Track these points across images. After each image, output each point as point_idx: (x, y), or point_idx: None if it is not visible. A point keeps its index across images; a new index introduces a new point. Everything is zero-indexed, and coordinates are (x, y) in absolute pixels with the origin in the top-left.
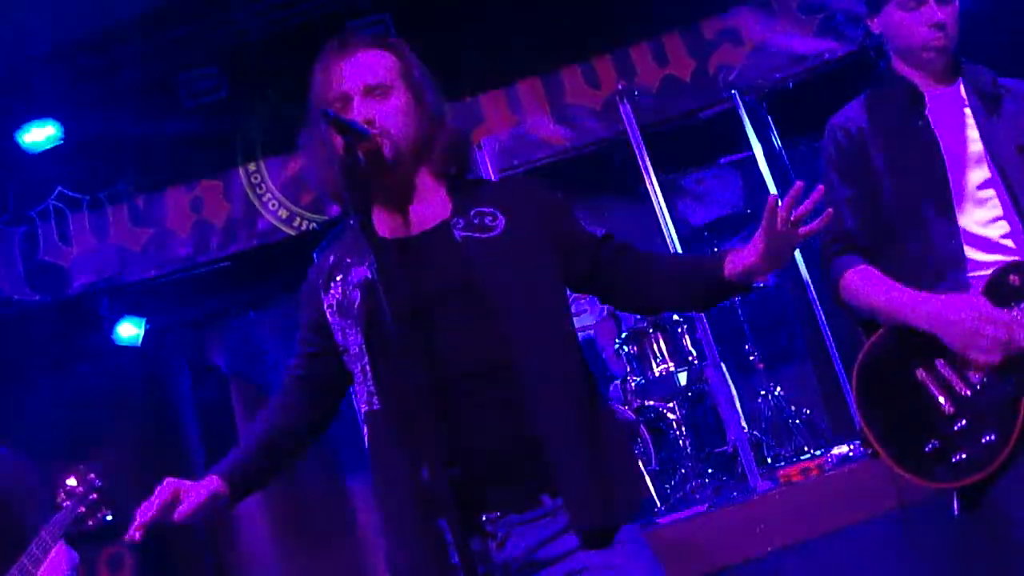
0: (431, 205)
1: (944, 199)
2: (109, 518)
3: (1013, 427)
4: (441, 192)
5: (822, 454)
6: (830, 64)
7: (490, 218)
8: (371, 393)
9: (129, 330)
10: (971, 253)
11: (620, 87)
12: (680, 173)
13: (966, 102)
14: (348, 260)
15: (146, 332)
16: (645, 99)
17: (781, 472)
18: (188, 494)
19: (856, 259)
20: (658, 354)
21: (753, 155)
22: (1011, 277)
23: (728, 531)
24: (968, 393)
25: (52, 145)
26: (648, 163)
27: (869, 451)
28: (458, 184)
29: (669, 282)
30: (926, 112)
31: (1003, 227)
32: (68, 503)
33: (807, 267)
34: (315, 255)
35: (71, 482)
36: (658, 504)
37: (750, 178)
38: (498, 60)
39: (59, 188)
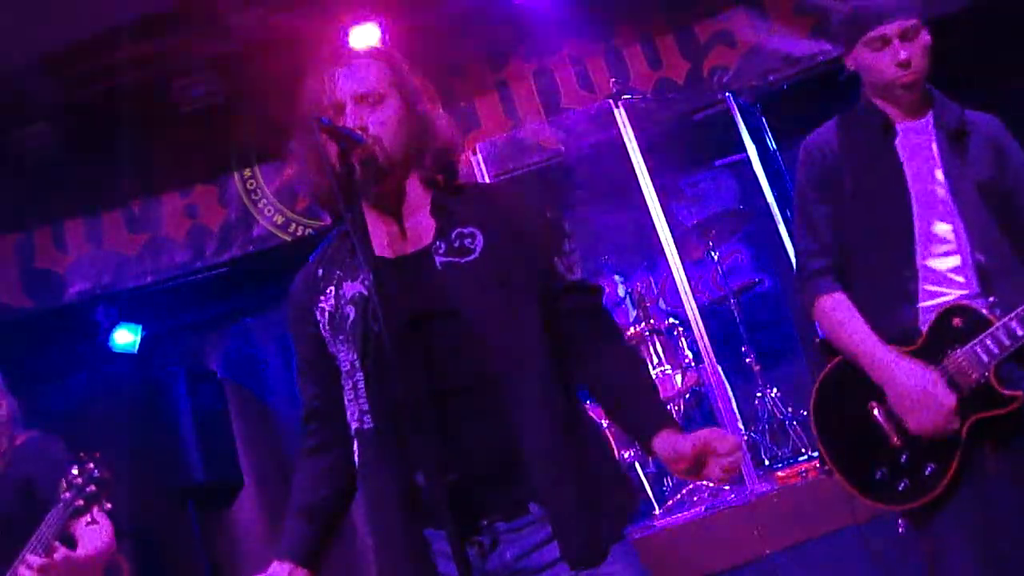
0: (418, 221)
1: (904, 230)
2: (109, 507)
3: (951, 463)
4: (427, 207)
5: (819, 456)
6: (824, 66)
7: (469, 239)
8: (363, 412)
9: (125, 337)
10: (924, 285)
11: (614, 90)
12: (675, 176)
13: (933, 137)
14: (338, 273)
15: (142, 339)
16: (639, 102)
17: (778, 474)
18: None
19: (831, 283)
20: (654, 357)
21: (747, 157)
22: (954, 320)
23: (725, 534)
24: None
25: (47, 150)
26: (642, 166)
27: (825, 468)
28: (442, 197)
29: (602, 381)
30: (895, 143)
31: (955, 261)
32: (67, 494)
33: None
34: (297, 277)
35: (74, 471)
36: (655, 507)
37: (745, 180)
38: (492, 64)
39: (54, 194)
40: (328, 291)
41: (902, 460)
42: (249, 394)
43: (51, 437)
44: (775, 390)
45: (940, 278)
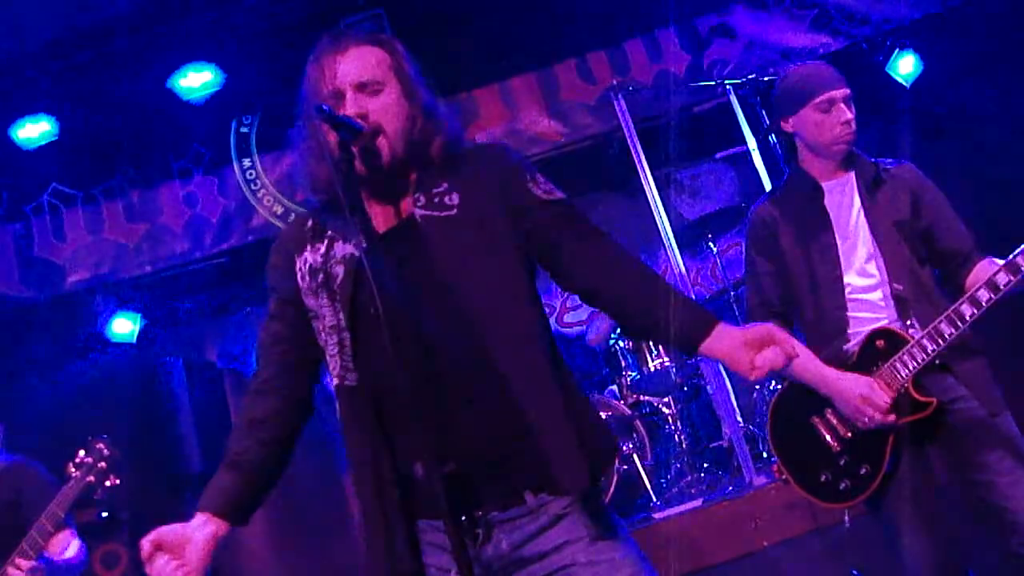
0: (406, 193)
1: (834, 272)
2: (117, 482)
3: (882, 461)
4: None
5: (776, 467)
6: (824, 59)
7: (448, 196)
8: (346, 368)
9: (124, 326)
10: (854, 314)
11: (614, 82)
12: (674, 168)
13: (856, 189)
14: (330, 232)
15: (140, 328)
16: (639, 94)
17: (776, 466)
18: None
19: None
20: (653, 349)
21: (747, 150)
22: (877, 342)
23: (724, 526)
24: (849, 435)
25: (46, 141)
26: (642, 158)
27: (782, 477)
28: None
29: (621, 284)
30: (823, 200)
31: (879, 294)
32: (77, 473)
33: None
34: (288, 225)
35: (81, 453)
36: (654, 499)
37: (744, 173)
38: (492, 55)
39: (53, 184)
40: (317, 246)
41: (841, 463)
42: (248, 384)
43: (33, 462)
44: (773, 383)
45: (867, 308)
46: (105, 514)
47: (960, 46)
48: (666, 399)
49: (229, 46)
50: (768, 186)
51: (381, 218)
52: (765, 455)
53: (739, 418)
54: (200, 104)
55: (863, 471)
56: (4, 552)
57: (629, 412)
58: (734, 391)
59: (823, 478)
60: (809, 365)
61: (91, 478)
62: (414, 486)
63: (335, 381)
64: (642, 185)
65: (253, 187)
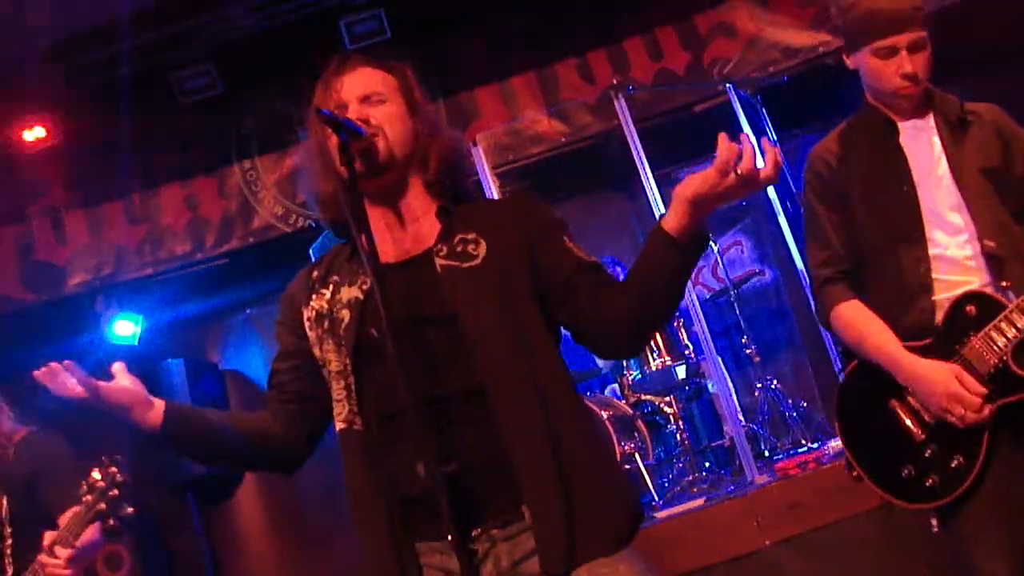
0: (421, 226)
1: (914, 225)
2: (130, 510)
3: (978, 452)
4: (431, 213)
5: (819, 447)
6: (825, 57)
7: (472, 245)
8: (352, 413)
9: (125, 328)
10: (938, 275)
11: (614, 81)
12: (675, 167)
13: (935, 131)
14: (336, 278)
15: (142, 330)
16: (639, 93)
17: (778, 465)
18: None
19: (845, 290)
20: (655, 348)
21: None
22: (967, 308)
23: (725, 524)
24: (935, 421)
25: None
26: (643, 157)
27: (854, 474)
28: (448, 205)
29: (627, 286)
30: (899, 140)
31: (967, 251)
32: (89, 497)
33: (803, 260)
34: (295, 277)
35: (95, 475)
36: (655, 498)
37: None
38: (493, 54)
39: (54, 186)
40: (322, 292)
41: (927, 454)
42: (249, 385)
43: (50, 432)
44: (775, 382)
45: (953, 268)
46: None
47: (965, 43)
48: (668, 398)
49: (228, 46)
50: (772, 189)
51: (391, 244)
52: (766, 454)
53: (741, 417)
54: (201, 104)
55: (954, 463)
56: (26, 524)
57: (631, 411)
58: (735, 390)
59: (905, 473)
60: (883, 344)
61: (102, 505)
62: (415, 505)
63: (341, 426)
64: (642, 184)
65: (254, 188)
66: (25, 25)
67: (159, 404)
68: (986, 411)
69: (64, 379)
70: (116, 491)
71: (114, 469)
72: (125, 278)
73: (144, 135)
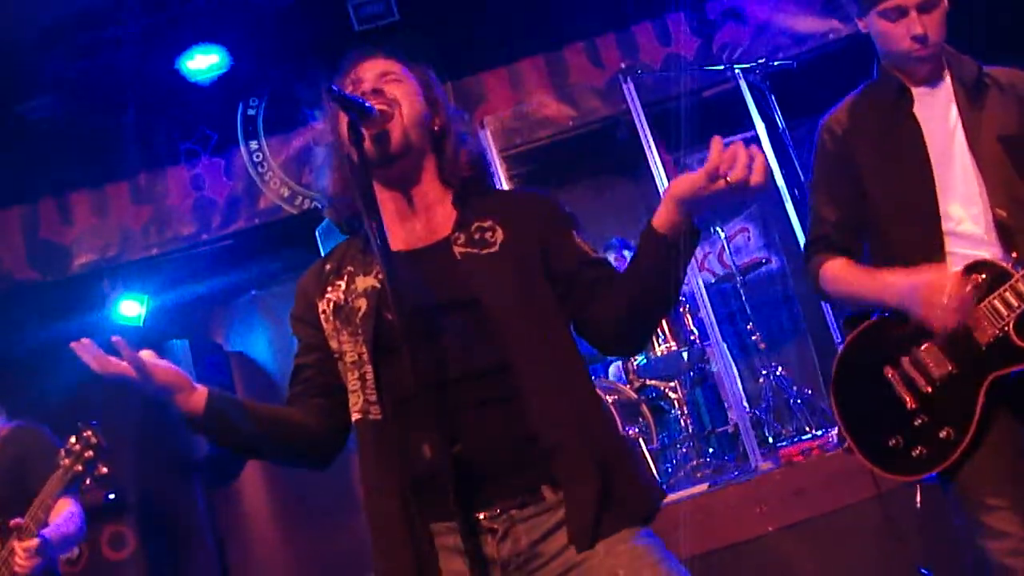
0: (435, 214)
1: (928, 194)
2: (104, 470)
3: (969, 426)
4: (447, 203)
5: (823, 434)
6: (834, 44)
7: (490, 232)
8: (369, 402)
9: (130, 308)
10: (951, 247)
11: (623, 66)
12: (682, 152)
13: (952, 97)
14: (350, 268)
15: (147, 311)
16: (648, 78)
17: (782, 452)
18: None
19: (832, 252)
20: (660, 334)
21: (756, 134)
22: (974, 276)
23: (729, 510)
24: (929, 390)
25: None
26: (651, 142)
27: (845, 445)
28: (464, 194)
29: (621, 284)
30: (913, 109)
31: (981, 219)
32: (66, 462)
33: None
34: (307, 272)
35: (71, 440)
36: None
37: None
38: (501, 38)
39: (59, 165)
40: (336, 284)
41: (916, 424)
42: (254, 367)
43: (37, 425)
44: (780, 369)
45: (968, 242)
46: (112, 496)
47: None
48: (672, 383)
49: (236, 28)
50: (776, 171)
51: (403, 232)
52: (770, 440)
53: (745, 403)
54: (207, 86)
55: (943, 435)
56: (9, 517)
57: (635, 396)
58: (740, 376)
59: (891, 442)
60: (872, 278)
61: (79, 467)
62: (428, 487)
63: (356, 416)
64: (650, 169)
65: (260, 169)
66: (33, 4)
67: (202, 390)
68: (970, 301)
69: (100, 355)
70: (91, 452)
71: (88, 432)
72: (130, 258)
73: (150, 114)
